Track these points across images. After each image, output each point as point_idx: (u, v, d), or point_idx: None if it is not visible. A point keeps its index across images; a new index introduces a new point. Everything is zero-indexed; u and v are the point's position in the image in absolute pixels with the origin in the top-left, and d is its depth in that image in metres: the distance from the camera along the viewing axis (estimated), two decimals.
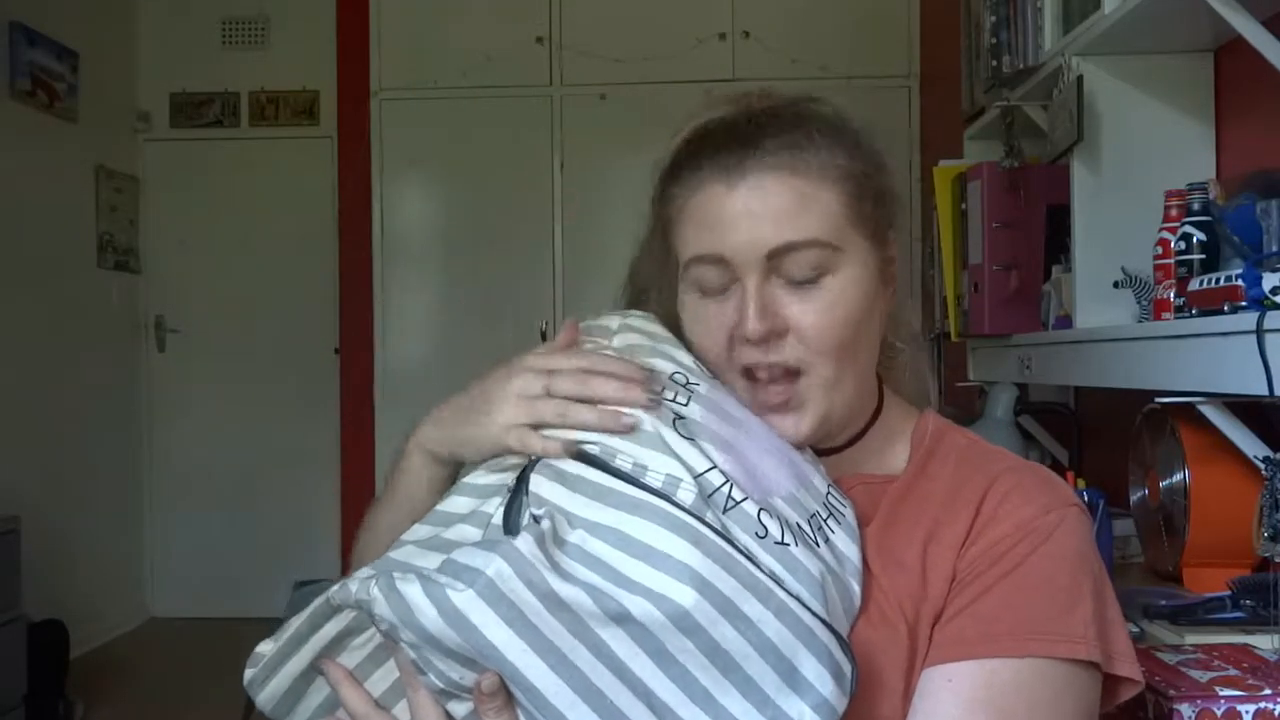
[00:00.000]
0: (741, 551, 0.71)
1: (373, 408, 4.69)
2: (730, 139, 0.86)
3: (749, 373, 0.85)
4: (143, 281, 4.88)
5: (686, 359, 0.85)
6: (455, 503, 0.78)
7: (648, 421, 0.76)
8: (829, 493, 0.83)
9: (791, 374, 0.85)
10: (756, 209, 0.83)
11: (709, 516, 0.72)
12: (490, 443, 0.80)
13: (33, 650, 3.34)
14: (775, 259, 0.83)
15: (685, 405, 0.79)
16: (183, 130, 4.90)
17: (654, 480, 0.73)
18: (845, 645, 0.73)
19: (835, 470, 0.89)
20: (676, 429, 0.77)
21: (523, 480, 0.75)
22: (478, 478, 0.79)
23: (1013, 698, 0.77)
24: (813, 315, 0.84)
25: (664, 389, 0.80)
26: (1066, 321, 2.03)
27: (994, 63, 2.33)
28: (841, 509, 0.82)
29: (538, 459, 0.76)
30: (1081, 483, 1.87)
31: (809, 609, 0.72)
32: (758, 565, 0.71)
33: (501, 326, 4.62)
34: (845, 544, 0.80)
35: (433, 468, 0.85)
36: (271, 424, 4.86)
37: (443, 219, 4.80)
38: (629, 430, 0.76)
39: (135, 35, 4.88)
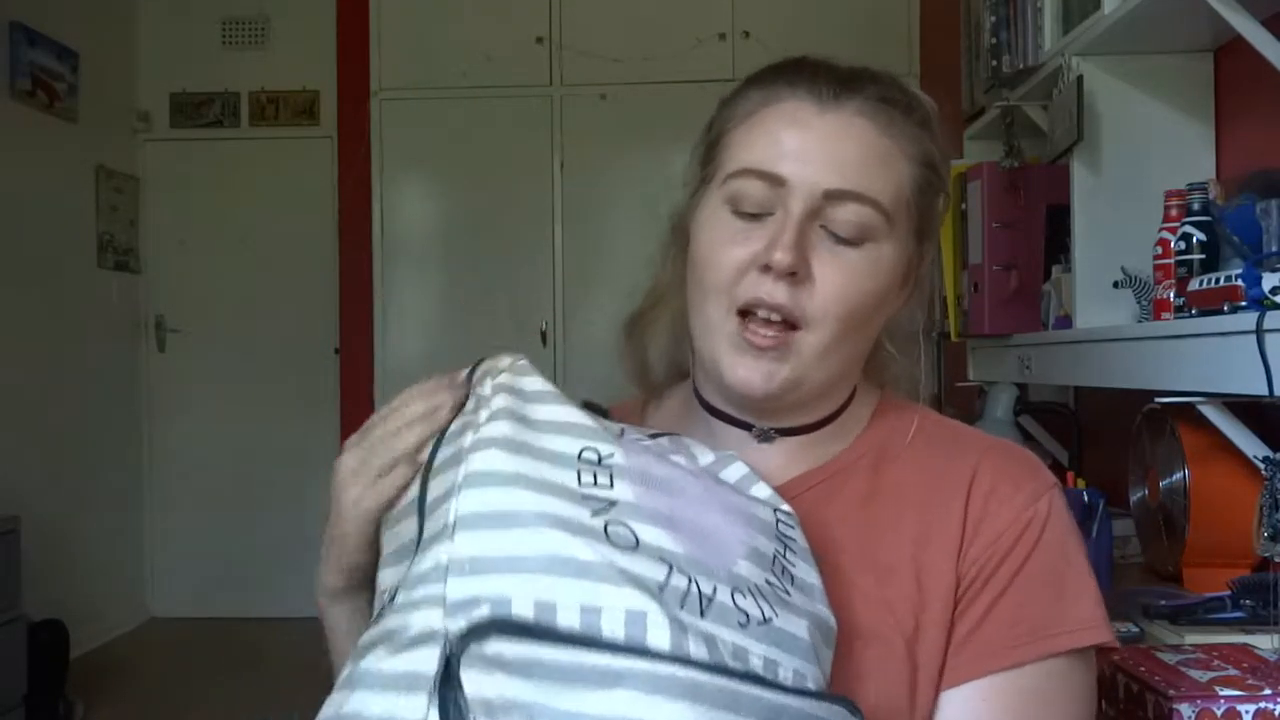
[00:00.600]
0: (739, 674, 0.61)
1: (373, 408, 4.65)
2: (832, 72, 0.82)
3: (745, 311, 0.80)
4: (143, 281, 4.88)
5: (582, 418, 0.71)
6: (363, 703, 0.60)
7: (576, 544, 0.61)
8: (777, 519, 0.74)
9: (790, 326, 0.80)
10: (835, 144, 0.79)
11: (693, 647, 0.60)
12: (355, 527, 0.76)
13: (33, 650, 3.34)
14: (831, 201, 0.79)
15: (610, 489, 0.66)
16: (183, 130, 4.90)
17: (614, 629, 0.59)
18: (849, 706, 0.67)
19: (785, 454, 0.86)
20: (609, 536, 0.63)
21: (450, 676, 0.57)
22: (380, 660, 0.60)
23: (1048, 697, 0.78)
24: (840, 273, 0.79)
25: (579, 472, 0.66)
26: (1066, 321, 2.03)
27: (994, 63, 2.33)
28: (790, 531, 0.74)
29: (455, 645, 0.58)
30: (1081, 483, 1.87)
31: (811, 692, 0.66)
32: (758, 679, 0.62)
33: (501, 326, 4.63)
34: (806, 571, 0.73)
35: (343, 603, 0.80)
36: (271, 424, 4.86)
37: (443, 219, 4.80)
38: (446, 423, 0.72)
39: (135, 35, 4.88)
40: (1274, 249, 1.41)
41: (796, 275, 0.78)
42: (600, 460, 0.67)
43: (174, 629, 4.71)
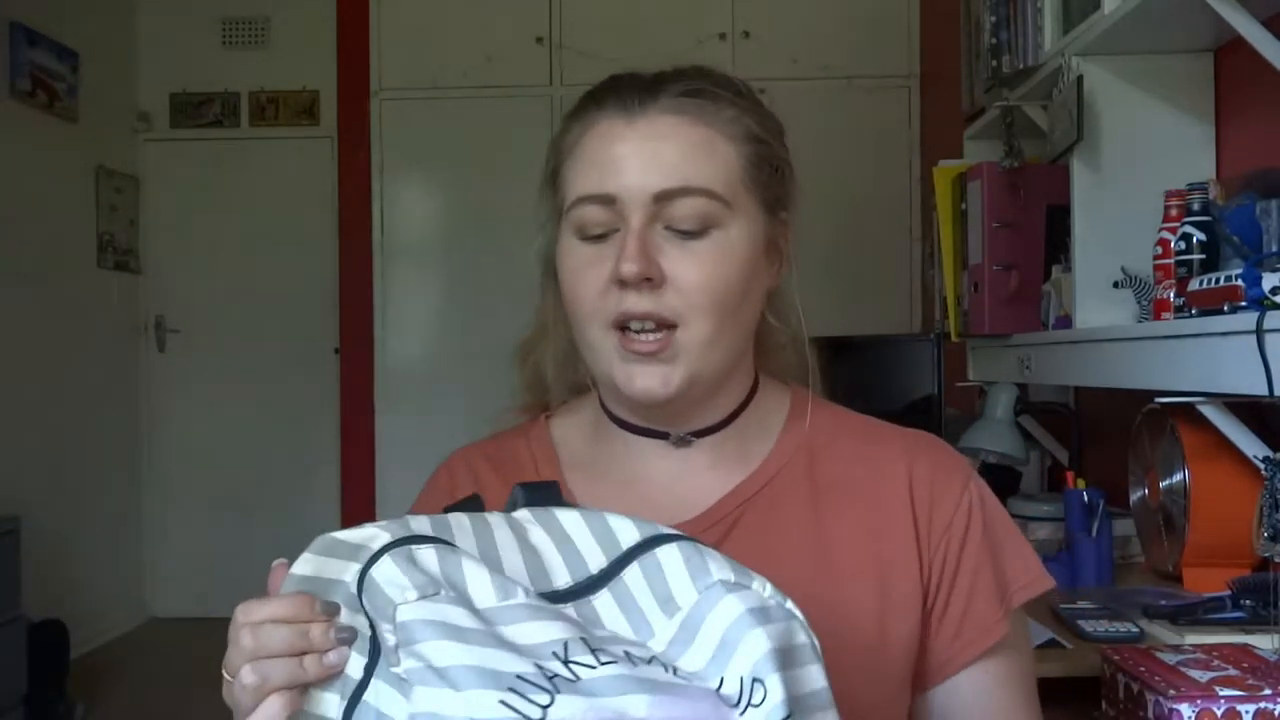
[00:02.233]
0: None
1: (373, 408, 4.69)
2: (636, 81, 0.85)
3: (621, 325, 0.81)
4: (143, 281, 4.88)
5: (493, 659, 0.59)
6: None
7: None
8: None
9: (667, 327, 0.81)
10: (651, 150, 0.81)
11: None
12: None
13: (33, 650, 3.34)
14: (663, 202, 0.80)
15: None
16: (183, 130, 4.90)
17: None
18: None
19: (707, 455, 0.87)
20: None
21: None
22: None
23: (1019, 647, 0.88)
24: (694, 268, 0.81)
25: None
26: (1066, 321, 2.03)
27: (994, 63, 2.33)
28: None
29: None
30: (1081, 483, 1.87)
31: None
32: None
33: (501, 326, 4.60)
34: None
35: None
36: (271, 424, 4.86)
37: (443, 219, 4.80)
38: (325, 676, 0.61)
39: (135, 35, 4.88)
40: (1274, 249, 1.41)
41: (652, 280, 0.80)
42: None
43: (174, 629, 4.71)
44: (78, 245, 4.46)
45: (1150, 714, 1.09)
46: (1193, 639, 1.37)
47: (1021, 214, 2.20)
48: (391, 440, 4.61)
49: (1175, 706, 1.05)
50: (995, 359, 2.41)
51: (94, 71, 4.48)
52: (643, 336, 0.81)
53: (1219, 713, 1.05)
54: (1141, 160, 1.92)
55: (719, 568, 0.64)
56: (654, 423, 0.87)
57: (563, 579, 0.65)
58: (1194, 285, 1.52)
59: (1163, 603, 1.54)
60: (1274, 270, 1.37)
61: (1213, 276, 1.47)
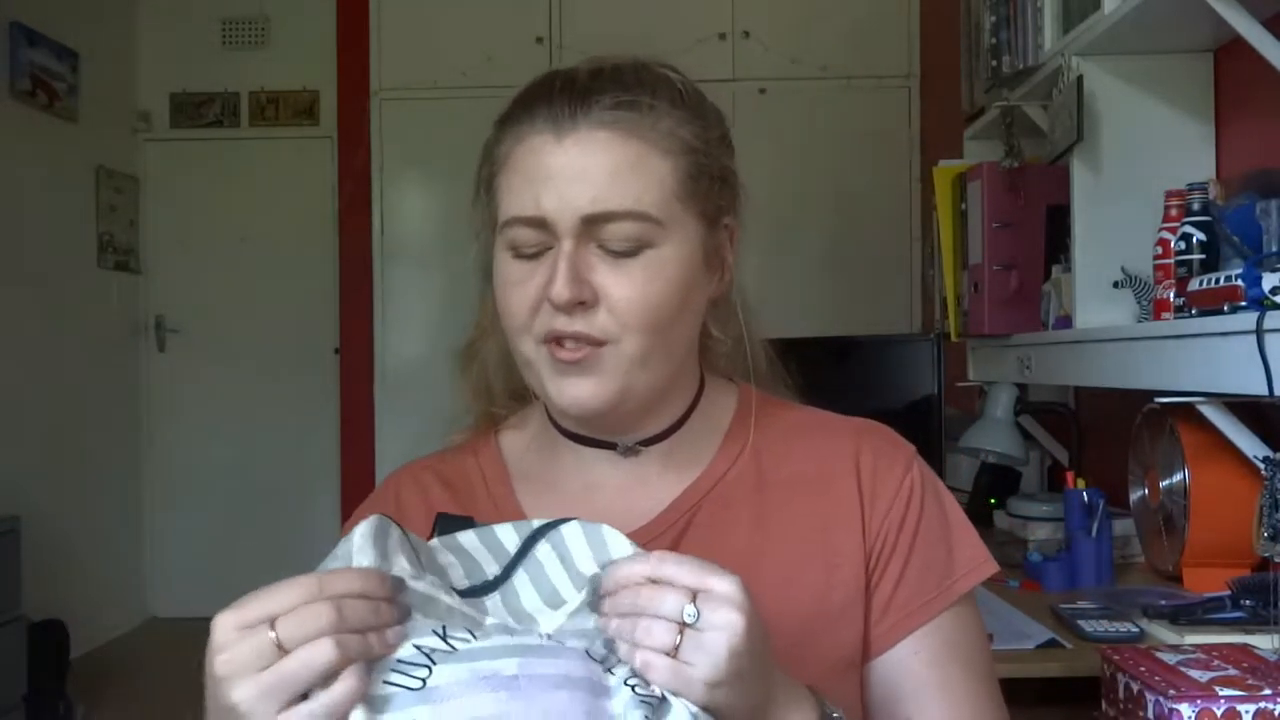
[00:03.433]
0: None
1: (373, 408, 4.69)
2: (568, 90, 0.80)
3: (550, 340, 0.80)
4: (143, 281, 4.88)
5: (446, 599, 0.65)
6: None
7: None
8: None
9: (596, 344, 0.80)
10: (580, 168, 0.78)
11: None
12: None
13: (33, 650, 3.34)
14: (592, 225, 0.78)
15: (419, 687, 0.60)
16: (183, 130, 4.90)
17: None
18: None
19: (657, 462, 0.87)
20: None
21: None
22: None
23: (963, 634, 0.87)
24: (626, 288, 0.79)
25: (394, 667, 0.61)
26: (1066, 321, 2.03)
27: (994, 63, 2.33)
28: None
29: None
30: (1081, 483, 1.87)
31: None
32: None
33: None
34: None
35: None
36: (271, 424, 4.86)
37: (443, 219, 4.79)
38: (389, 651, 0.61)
39: (135, 35, 4.88)
40: (1274, 249, 1.41)
41: (584, 303, 0.79)
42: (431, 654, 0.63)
43: (174, 629, 4.71)
44: (78, 245, 4.46)
45: (1150, 714, 1.09)
46: (1193, 639, 1.37)
47: (1021, 214, 2.20)
48: (391, 440, 4.61)
49: (1175, 706, 1.05)
50: (995, 359, 2.41)
51: (94, 71, 4.48)
52: (571, 346, 0.80)
53: (1219, 713, 1.05)
54: (1141, 160, 1.92)
55: (618, 546, 0.69)
56: (598, 433, 0.87)
57: (492, 570, 0.70)
58: (1194, 285, 1.52)
59: (1163, 603, 1.54)
60: (1274, 270, 1.37)
61: (1213, 276, 1.47)
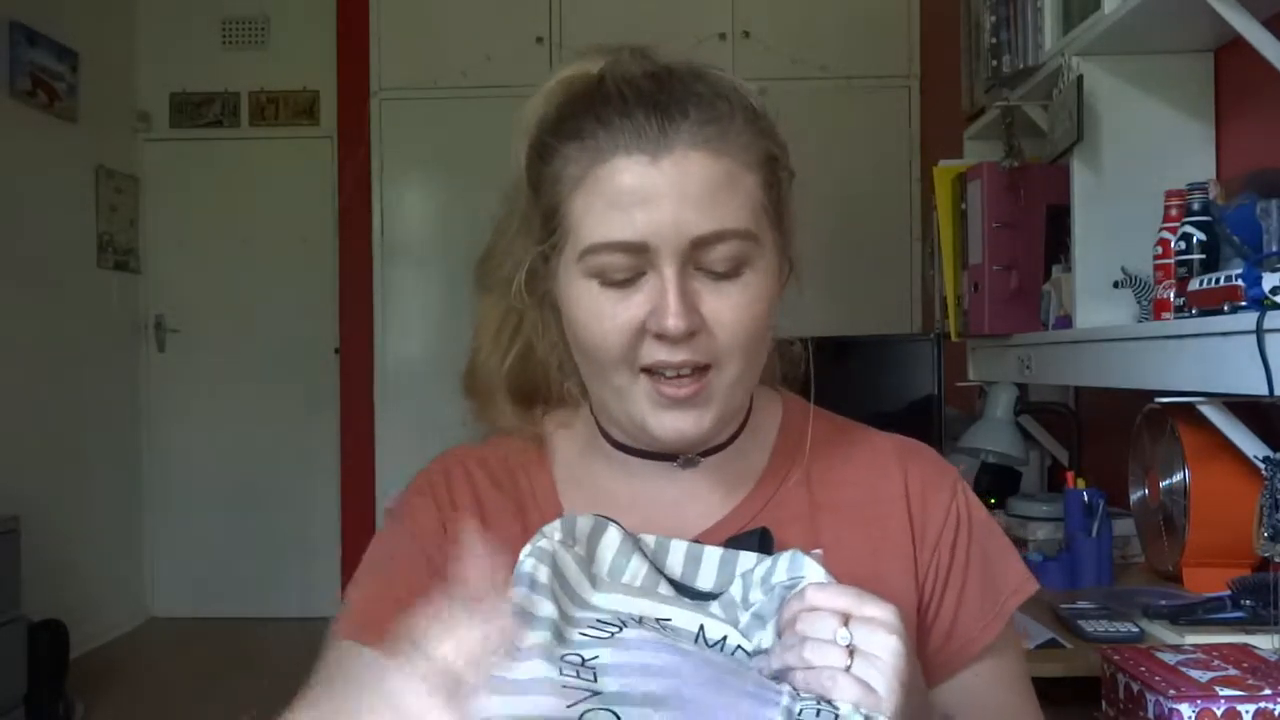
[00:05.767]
0: None
1: (373, 408, 4.69)
2: (641, 99, 0.76)
3: (651, 370, 0.78)
4: (143, 281, 4.88)
5: (598, 598, 0.73)
6: None
7: None
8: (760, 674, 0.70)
9: (701, 370, 0.78)
10: (681, 189, 0.74)
11: None
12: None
13: (33, 650, 3.34)
14: (699, 248, 0.75)
15: (594, 681, 0.65)
16: (183, 130, 4.90)
17: None
18: None
19: (709, 476, 0.86)
20: None
21: None
22: None
23: (1013, 652, 0.89)
24: (731, 311, 0.77)
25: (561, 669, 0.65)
26: (1066, 321, 2.03)
27: (994, 63, 2.33)
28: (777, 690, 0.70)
29: None
30: (1081, 483, 1.87)
31: None
32: None
33: None
34: None
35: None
36: (271, 424, 4.86)
37: (443, 219, 4.79)
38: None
39: (135, 35, 4.88)
40: (1274, 249, 1.41)
41: (694, 329, 0.76)
42: (584, 662, 0.66)
43: (174, 629, 4.71)
44: (78, 245, 4.46)
45: (1150, 714, 1.09)
46: (1193, 639, 1.37)
47: (1021, 214, 2.20)
48: (391, 440, 4.60)
49: (1175, 706, 1.05)
50: (995, 359, 2.41)
51: (94, 71, 4.48)
52: (677, 381, 0.77)
53: (1219, 713, 1.05)
54: (1141, 160, 1.92)
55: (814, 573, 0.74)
56: (667, 450, 0.85)
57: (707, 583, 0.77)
58: (1194, 285, 1.52)
59: (1163, 603, 1.54)
60: (1274, 270, 1.37)
61: (1213, 276, 1.47)
